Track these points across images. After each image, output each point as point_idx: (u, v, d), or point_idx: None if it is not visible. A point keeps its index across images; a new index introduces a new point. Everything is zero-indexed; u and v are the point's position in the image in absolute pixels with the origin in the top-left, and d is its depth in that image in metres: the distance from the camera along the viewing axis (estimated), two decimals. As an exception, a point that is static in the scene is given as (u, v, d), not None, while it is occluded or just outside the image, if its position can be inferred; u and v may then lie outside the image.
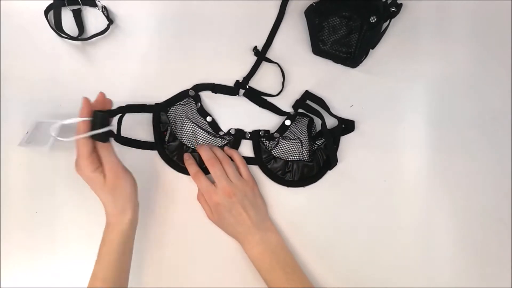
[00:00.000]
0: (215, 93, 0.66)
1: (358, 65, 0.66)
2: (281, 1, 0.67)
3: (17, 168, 0.65)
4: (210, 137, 0.65)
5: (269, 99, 0.67)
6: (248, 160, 0.65)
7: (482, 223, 0.66)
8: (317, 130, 0.66)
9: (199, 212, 0.64)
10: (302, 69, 0.67)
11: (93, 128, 0.53)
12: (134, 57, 0.67)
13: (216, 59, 0.67)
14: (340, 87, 0.67)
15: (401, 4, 0.63)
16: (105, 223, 0.58)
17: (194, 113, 0.66)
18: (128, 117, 0.64)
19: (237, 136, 0.65)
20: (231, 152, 0.64)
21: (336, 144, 0.65)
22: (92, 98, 0.66)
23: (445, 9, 0.68)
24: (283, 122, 0.65)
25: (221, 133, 0.65)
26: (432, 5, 0.68)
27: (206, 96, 0.67)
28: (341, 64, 0.66)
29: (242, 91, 0.66)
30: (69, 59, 0.66)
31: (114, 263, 0.57)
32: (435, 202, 0.66)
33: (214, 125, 0.66)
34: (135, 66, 0.66)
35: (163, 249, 0.65)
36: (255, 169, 0.65)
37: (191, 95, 0.65)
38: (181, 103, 0.66)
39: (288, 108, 0.67)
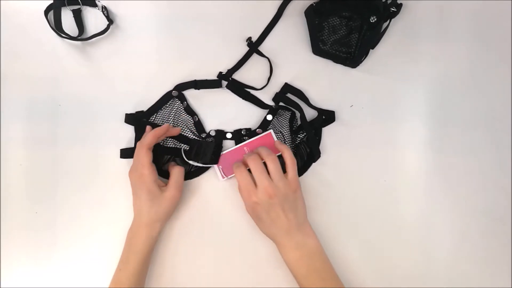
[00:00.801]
0: (198, 89, 0.66)
1: (358, 65, 0.66)
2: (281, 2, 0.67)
3: (17, 168, 0.65)
4: (194, 138, 0.64)
5: (253, 92, 0.66)
6: None
7: (482, 223, 0.66)
8: (299, 123, 0.66)
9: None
10: (302, 69, 0.67)
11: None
12: (134, 57, 0.67)
13: (217, 59, 0.67)
14: (340, 87, 0.67)
15: (401, 4, 0.63)
16: (132, 232, 0.60)
17: (182, 113, 0.65)
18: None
19: (217, 137, 0.65)
20: (282, 148, 0.60)
21: (318, 136, 0.65)
22: (93, 98, 0.66)
23: (445, 9, 0.68)
24: (265, 117, 0.65)
25: (203, 135, 0.65)
26: (432, 5, 0.68)
27: (190, 96, 0.66)
28: (341, 64, 0.66)
29: (225, 83, 0.66)
30: (69, 59, 0.66)
31: (141, 272, 0.59)
32: (435, 202, 0.66)
33: (199, 125, 0.65)
34: (135, 66, 0.66)
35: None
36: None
37: (175, 96, 0.65)
38: (167, 105, 0.65)
39: (272, 102, 0.67)
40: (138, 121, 0.64)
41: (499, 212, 0.66)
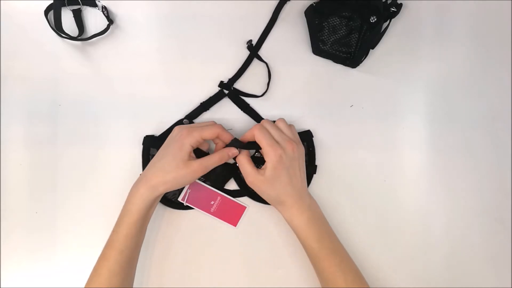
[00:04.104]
0: (207, 109, 0.66)
1: (358, 65, 0.66)
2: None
3: (17, 168, 0.65)
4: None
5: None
6: (235, 194, 0.65)
7: (482, 223, 0.66)
8: None
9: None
10: (302, 69, 0.67)
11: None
12: (134, 57, 0.67)
13: (215, 59, 0.67)
14: (340, 87, 0.67)
15: (401, 4, 0.63)
16: (131, 192, 0.57)
17: None
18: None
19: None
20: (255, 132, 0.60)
21: (311, 148, 0.65)
22: (93, 98, 0.66)
23: (445, 9, 0.68)
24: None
25: None
26: (432, 5, 0.68)
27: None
28: (341, 64, 0.66)
29: (226, 91, 0.66)
30: (69, 59, 0.66)
31: (134, 235, 0.57)
32: (435, 202, 0.66)
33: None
34: (135, 66, 0.66)
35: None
36: (245, 199, 0.65)
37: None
38: None
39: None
40: (151, 145, 0.64)
41: (499, 212, 0.66)
